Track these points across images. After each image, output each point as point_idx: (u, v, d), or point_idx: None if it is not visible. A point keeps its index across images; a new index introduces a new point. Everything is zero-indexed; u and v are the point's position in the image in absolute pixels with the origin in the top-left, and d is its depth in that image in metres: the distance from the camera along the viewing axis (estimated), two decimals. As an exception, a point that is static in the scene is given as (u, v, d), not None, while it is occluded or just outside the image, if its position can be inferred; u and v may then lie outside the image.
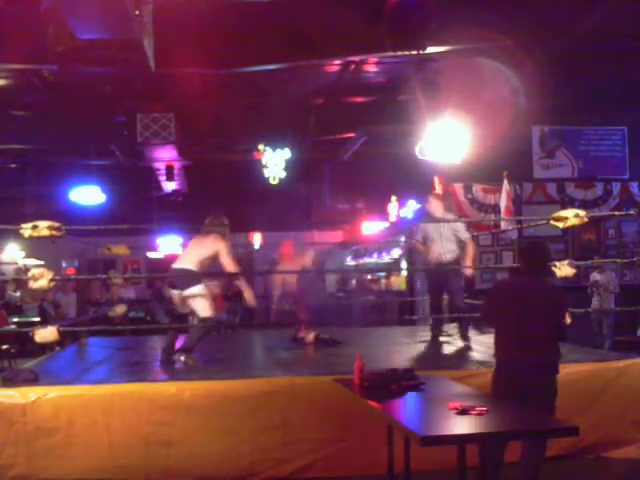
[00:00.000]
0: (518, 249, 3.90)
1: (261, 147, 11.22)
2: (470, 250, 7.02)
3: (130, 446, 4.58)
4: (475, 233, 8.70)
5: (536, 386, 3.87)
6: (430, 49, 6.83)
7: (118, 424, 4.59)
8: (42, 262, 12.32)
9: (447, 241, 6.99)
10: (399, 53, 6.87)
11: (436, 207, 7.16)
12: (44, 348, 8.26)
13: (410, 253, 10.89)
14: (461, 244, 7.05)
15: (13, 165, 12.98)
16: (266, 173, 11.34)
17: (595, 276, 10.22)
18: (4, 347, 8.88)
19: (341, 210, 15.56)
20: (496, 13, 6.78)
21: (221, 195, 14.81)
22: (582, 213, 6.22)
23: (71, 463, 4.53)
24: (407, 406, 3.71)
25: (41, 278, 5.50)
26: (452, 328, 8.23)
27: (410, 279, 12.22)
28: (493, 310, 4.15)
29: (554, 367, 4.00)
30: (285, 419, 4.74)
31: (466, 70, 8.16)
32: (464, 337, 6.99)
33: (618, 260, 9.54)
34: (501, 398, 3.88)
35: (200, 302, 5.91)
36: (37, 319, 10.96)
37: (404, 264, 13.04)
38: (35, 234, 5.59)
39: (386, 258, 14.84)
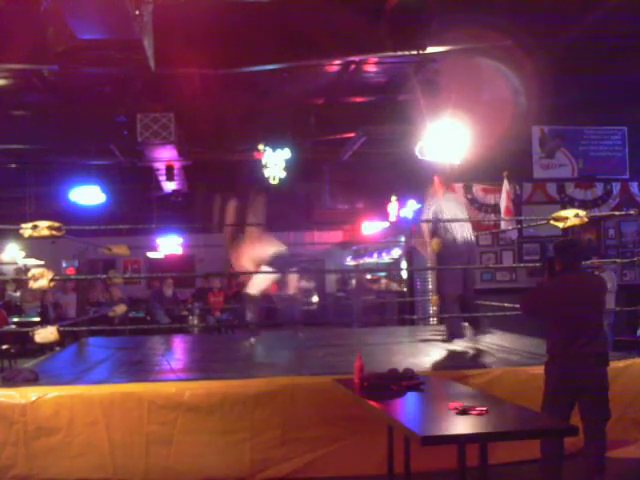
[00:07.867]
0: (553, 247, 4.02)
1: (261, 147, 11.22)
2: None
3: (130, 446, 4.58)
4: (475, 233, 8.68)
5: (592, 378, 3.99)
6: (430, 49, 6.84)
7: (118, 424, 4.58)
8: (42, 262, 12.33)
9: None
10: (399, 53, 6.89)
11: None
12: (44, 348, 8.25)
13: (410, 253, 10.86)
14: None
15: (13, 165, 12.99)
16: (266, 173, 11.34)
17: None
18: (4, 347, 8.87)
19: (341, 210, 15.55)
20: (496, 13, 6.79)
21: (221, 195, 14.80)
22: (582, 213, 6.22)
23: (71, 463, 4.52)
24: (407, 406, 3.70)
25: (41, 278, 5.49)
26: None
27: (410, 279, 12.21)
28: (543, 306, 4.23)
29: (607, 358, 4.10)
30: (285, 419, 4.74)
31: (466, 70, 8.17)
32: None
33: (618, 260, 9.54)
34: (554, 392, 4.02)
35: None
36: (37, 319, 10.95)
37: (404, 264, 13.03)
38: (35, 234, 5.58)
39: (386, 258, 14.82)
